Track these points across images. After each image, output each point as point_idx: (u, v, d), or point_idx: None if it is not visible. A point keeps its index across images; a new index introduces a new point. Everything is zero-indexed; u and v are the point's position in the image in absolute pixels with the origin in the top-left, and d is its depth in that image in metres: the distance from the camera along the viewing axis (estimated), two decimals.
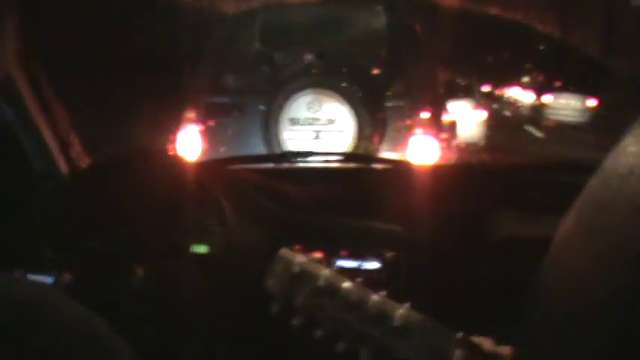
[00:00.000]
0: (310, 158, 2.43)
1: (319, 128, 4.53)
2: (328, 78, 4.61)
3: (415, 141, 4.61)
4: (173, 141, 4.97)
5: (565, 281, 0.60)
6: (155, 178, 1.83)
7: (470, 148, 9.08)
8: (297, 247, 1.91)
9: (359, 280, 1.00)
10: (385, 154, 4.51)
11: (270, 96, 4.61)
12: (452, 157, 5.27)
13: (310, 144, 4.47)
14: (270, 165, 2.73)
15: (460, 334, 0.94)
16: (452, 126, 5.91)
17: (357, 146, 4.45)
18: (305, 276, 1.00)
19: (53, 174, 1.80)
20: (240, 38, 5.22)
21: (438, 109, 5.20)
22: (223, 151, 4.67)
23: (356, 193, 2.09)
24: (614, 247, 0.55)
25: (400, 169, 2.44)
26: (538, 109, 18.71)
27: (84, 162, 1.97)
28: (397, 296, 1.01)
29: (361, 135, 4.46)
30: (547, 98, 18.29)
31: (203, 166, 2.45)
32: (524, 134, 16.28)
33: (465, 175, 2.30)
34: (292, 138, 4.55)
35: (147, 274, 1.11)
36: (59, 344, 0.75)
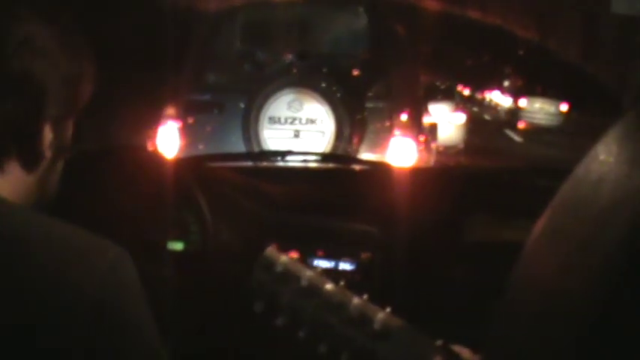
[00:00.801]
0: (289, 157, 2.44)
1: (299, 128, 4.53)
2: (309, 78, 4.62)
3: (394, 142, 4.62)
4: (152, 137, 4.95)
5: (535, 284, 0.61)
6: (133, 174, 1.82)
7: (449, 150, 9.11)
8: (273, 245, 1.91)
9: (342, 282, 1.00)
10: (364, 155, 4.52)
11: (251, 94, 4.60)
12: (431, 160, 5.28)
13: (290, 143, 4.47)
14: (249, 163, 2.74)
15: (440, 342, 0.95)
16: (432, 128, 5.93)
17: (336, 147, 4.46)
18: (288, 276, 1.00)
19: None
20: (221, 36, 5.21)
21: (418, 111, 5.22)
22: (202, 149, 4.66)
23: (333, 194, 2.09)
24: (583, 251, 0.56)
25: (378, 170, 2.45)
26: (514, 112, 19.17)
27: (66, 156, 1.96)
28: (372, 297, 1.02)
29: (340, 135, 4.46)
30: (522, 102, 18.77)
31: (181, 162, 2.45)
32: (502, 137, 16.44)
33: (443, 178, 2.32)
34: (272, 137, 4.55)
35: None
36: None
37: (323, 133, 4.49)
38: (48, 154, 0.99)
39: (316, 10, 5.28)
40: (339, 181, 2.26)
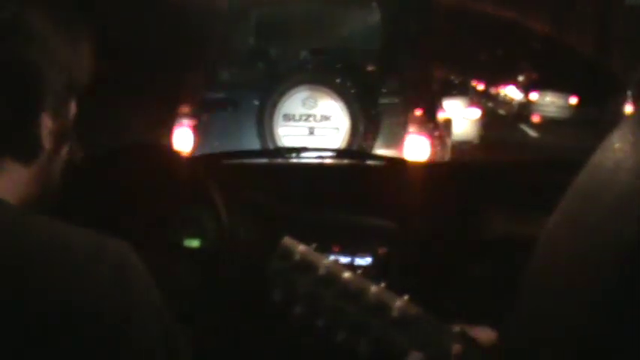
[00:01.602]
0: (304, 154, 2.44)
1: (313, 124, 4.53)
2: (323, 74, 4.61)
3: (409, 138, 4.61)
4: (168, 135, 4.97)
5: (552, 272, 0.61)
6: (149, 172, 1.83)
7: (464, 146, 9.09)
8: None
9: (359, 271, 1.01)
10: (379, 151, 4.51)
11: (265, 92, 4.61)
12: (445, 155, 5.28)
13: (304, 140, 4.47)
14: (265, 160, 2.74)
15: (458, 328, 0.95)
16: (446, 124, 5.92)
17: (350, 143, 4.45)
18: (306, 265, 1.01)
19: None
20: (235, 34, 5.23)
21: (433, 106, 5.21)
22: (217, 146, 4.67)
23: (349, 190, 2.09)
24: (600, 240, 0.56)
25: (393, 166, 2.45)
26: (526, 106, 19.89)
27: (78, 156, 1.97)
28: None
29: (355, 132, 4.46)
30: (534, 96, 19.53)
31: (197, 160, 2.46)
32: (517, 132, 16.42)
33: (458, 173, 2.32)
34: (286, 134, 4.55)
35: None
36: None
37: (338, 129, 4.49)
38: (47, 144, 0.95)
39: (330, 7, 5.29)
40: (355, 177, 2.26)
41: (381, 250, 1.89)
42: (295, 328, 1.11)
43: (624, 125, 0.62)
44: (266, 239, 1.34)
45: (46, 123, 0.94)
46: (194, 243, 1.91)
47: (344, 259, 1.89)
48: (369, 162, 2.52)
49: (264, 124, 4.54)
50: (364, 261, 1.89)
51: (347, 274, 0.99)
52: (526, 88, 20.45)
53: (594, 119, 14.51)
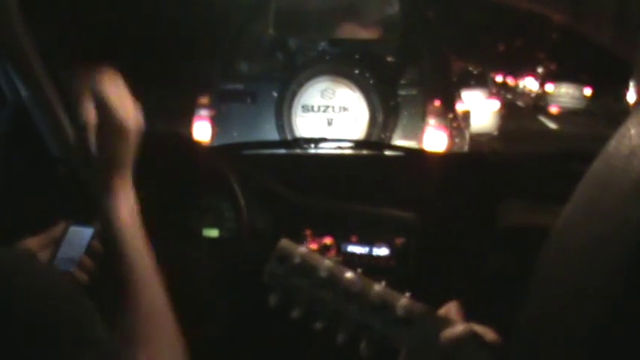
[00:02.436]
0: (323, 145, 2.44)
1: (332, 115, 4.53)
2: (342, 65, 4.60)
3: (428, 129, 4.60)
4: (187, 126, 4.99)
5: (567, 258, 0.62)
6: (169, 162, 1.84)
7: (482, 137, 9.05)
8: (307, 231, 1.93)
9: (359, 270, 1.00)
10: (397, 141, 4.50)
11: (284, 82, 4.60)
12: (464, 147, 5.26)
13: (323, 131, 4.46)
14: (283, 151, 2.75)
15: (463, 326, 0.95)
16: (465, 115, 5.90)
17: (369, 133, 4.45)
18: (306, 267, 1.00)
19: (68, 158, 1.81)
20: (254, 24, 5.22)
21: (452, 97, 5.19)
22: (236, 137, 4.68)
23: (367, 180, 2.10)
24: (616, 225, 0.57)
25: (412, 156, 2.45)
26: (541, 97, 20.34)
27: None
28: (406, 282, 1.02)
29: (374, 122, 4.45)
30: (549, 87, 19.87)
31: (216, 151, 2.47)
32: (536, 123, 16.36)
33: (477, 164, 2.31)
34: (305, 125, 4.55)
35: (159, 257, 1.13)
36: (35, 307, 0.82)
37: (356, 120, 4.48)
38: None
39: None
40: (373, 167, 2.26)
41: (399, 241, 1.90)
42: (294, 330, 1.10)
43: (639, 112, 0.62)
44: (284, 229, 1.35)
45: None
46: (213, 232, 1.92)
47: (362, 250, 1.89)
48: (388, 153, 2.52)
49: (282, 115, 4.54)
50: (382, 251, 1.89)
51: (348, 275, 0.98)
52: (544, 80, 20.49)
53: (609, 110, 14.51)
